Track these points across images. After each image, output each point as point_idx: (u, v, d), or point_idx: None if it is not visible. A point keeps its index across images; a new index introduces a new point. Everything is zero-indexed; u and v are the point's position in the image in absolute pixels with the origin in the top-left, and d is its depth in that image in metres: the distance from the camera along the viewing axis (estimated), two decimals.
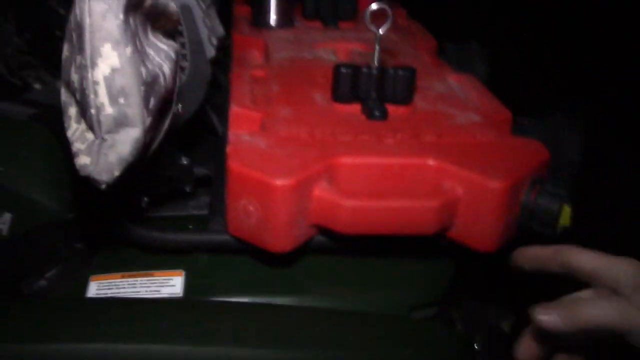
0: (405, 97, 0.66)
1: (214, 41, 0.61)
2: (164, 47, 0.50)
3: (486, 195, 0.53)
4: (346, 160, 0.54)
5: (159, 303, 0.53)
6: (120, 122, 0.42)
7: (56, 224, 0.59)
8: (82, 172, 0.42)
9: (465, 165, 0.54)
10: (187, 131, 0.66)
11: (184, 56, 0.58)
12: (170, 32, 0.55)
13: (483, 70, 0.92)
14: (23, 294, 0.55)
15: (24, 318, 0.52)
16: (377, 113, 0.64)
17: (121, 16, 0.40)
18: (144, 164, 0.60)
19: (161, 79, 0.46)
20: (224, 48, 0.92)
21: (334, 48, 0.84)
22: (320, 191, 0.53)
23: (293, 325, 0.53)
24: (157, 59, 0.47)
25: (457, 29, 1.04)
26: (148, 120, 0.43)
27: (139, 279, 0.56)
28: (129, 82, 0.41)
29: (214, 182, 0.65)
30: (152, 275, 0.56)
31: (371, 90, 0.65)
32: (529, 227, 0.56)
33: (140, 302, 0.54)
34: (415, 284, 0.60)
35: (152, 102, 0.44)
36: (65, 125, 0.44)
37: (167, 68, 0.48)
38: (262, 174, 0.51)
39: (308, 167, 0.53)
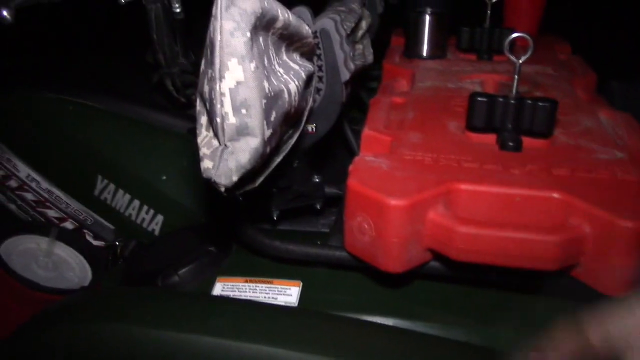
0: (544, 129, 0.63)
1: (351, 66, 0.63)
2: (296, 66, 0.54)
3: (616, 234, 0.50)
4: (465, 186, 0.54)
5: (273, 309, 0.56)
6: (241, 131, 0.45)
7: (196, 228, 0.64)
8: (205, 175, 0.46)
9: (594, 202, 0.51)
10: (322, 151, 0.69)
11: (320, 78, 0.62)
12: (308, 54, 0.59)
13: None
14: (157, 286, 0.61)
15: (156, 307, 0.57)
16: (510, 144, 0.62)
17: (248, 34, 0.44)
18: (271, 177, 0.64)
19: (285, 95, 0.49)
20: (374, 74, 0.95)
21: (482, 80, 0.83)
22: (435, 215, 0.53)
23: (403, 348, 0.53)
24: (285, 76, 0.51)
25: (624, 67, 0.97)
26: (268, 132, 0.47)
27: (259, 285, 0.59)
28: (251, 95, 0.44)
29: (343, 200, 0.67)
30: (271, 283, 0.59)
31: (507, 120, 0.64)
32: None
33: (257, 305, 0.57)
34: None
35: (273, 115, 0.47)
36: (197, 132, 0.48)
37: (293, 86, 0.51)
38: (378, 192, 0.52)
39: (425, 190, 0.53)
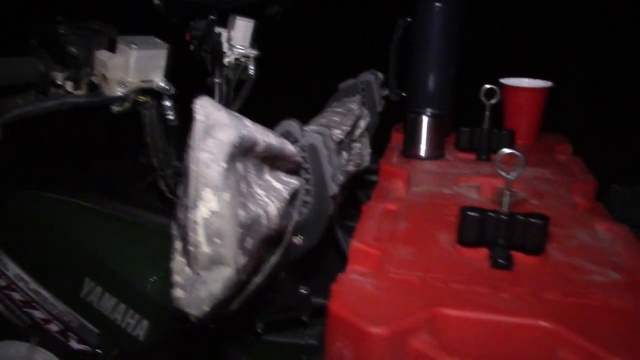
0: (536, 246, 0.62)
1: (340, 179, 0.63)
2: (279, 185, 0.53)
3: None
4: (450, 311, 0.52)
5: None
6: (214, 261, 0.44)
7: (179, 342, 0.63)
8: (176, 304, 0.45)
9: (585, 334, 0.49)
10: (312, 258, 0.68)
11: (307, 191, 0.61)
12: (294, 170, 0.58)
13: None
14: None
15: None
16: (501, 261, 0.61)
17: (224, 164, 0.43)
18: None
19: (263, 220, 0.49)
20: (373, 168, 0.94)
21: (479, 184, 0.82)
22: (419, 343, 0.51)
23: None
24: (265, 199, 0.50)
25: (626, 171, 0.97)
26: (242, 260, 0.46)
27: None
28: (226, 225, 0.44)
29: None
30: None
31: (499, 236, 0.62)
32: None
33: None
34: None
35: (249, 242, 0.46)
36: (171, 257, 0.48)
37: (273, 208, 0.50)
38: (358, 318, 0.51)
39: (408, 317, 0.51)
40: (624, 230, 0.71)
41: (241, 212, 0.45)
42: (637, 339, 0.49)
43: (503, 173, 0.62)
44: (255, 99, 1.01)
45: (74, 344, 0.87)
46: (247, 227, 0.46)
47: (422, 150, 0.93)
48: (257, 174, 0.51)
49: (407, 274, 0.58)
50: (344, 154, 0.81)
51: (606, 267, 0.60)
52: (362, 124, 0.94)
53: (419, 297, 0.54)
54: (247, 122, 0.47)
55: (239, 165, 0.47)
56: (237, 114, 0.46)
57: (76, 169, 1.00)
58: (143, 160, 0.80)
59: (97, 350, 0.81)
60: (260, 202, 0.49)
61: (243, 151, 0.47)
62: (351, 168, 0.78)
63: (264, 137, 0.48)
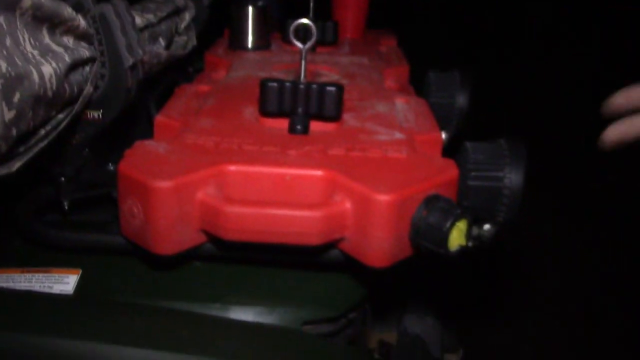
0: (332, 113, 0.65)
1: (138, 52, 0.63)
2: (60, 49, 0.53)
3: (372, 208, 0.52)
4: (236, 167, 0.54)
5: (41, 298, 0.55)
6: None
7: None
8: None
9: (357, 178, 0.54)
10: (123, 137, 0.68)
11: (103, 64, 0.61)
12: (83, 38, 0.58)
13: (461, 97, 0.91)
14: None
15: None
16: (298, 127, 0.64)
17: None
18: (55, 165, 0.62)
19: (36, 77, 0.48)
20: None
21: (294, 69, 0.85)
22: (205, 196, 0.53)
23: (173, 328, 0.54)
24: (39, 58, 0.49)
25: (442, 59, 1.03)
26: (10, 114, 0.45)
27: (36, 274, 0.57)
28: None
29: None
30: (49, 272, 0.57)
31: (297, 105, 0.65)
32: (422, 246, 0.54)
33: (24, 295, 0.55)
34: (310, 299, 0.59)
35: (17, 96, 0.46)
36: None
37: (49, 68, 0.50)
38: (144, 175, 0.52)
39: (194, 171, 0.53)
40: (422, 103, 0.76)
41: (2, 63, 0.45)
42: (399, 179, 0.54)
43: (297, 43, 0.65)
44: None
45: None
46: (12, 80, 0.45)
47: (247, 41, 0.94)
48: (32, 35, 0.50)
49: (203, 139, 0.60)
50: (161, 40, 0.81)
51: (394, 130, 0.65)
52: (187, 16, 0.93)
53: (209, 157, 0.56)
54: None
55: (1, 19, 0.46)
56: None
57: None
58: None
59: None
60: (32, 60, 0.49)
61: (6, 4, 0.46)
62: (176, 52, 0.79)
63: None
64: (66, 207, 0.64)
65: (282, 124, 0.66)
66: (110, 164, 0.66)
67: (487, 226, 0.55)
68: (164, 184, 0.52)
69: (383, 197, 0.52)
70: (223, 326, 0.56)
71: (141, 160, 0.55)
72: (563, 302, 1.80)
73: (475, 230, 0.54)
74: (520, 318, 1.69)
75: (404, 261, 0.56)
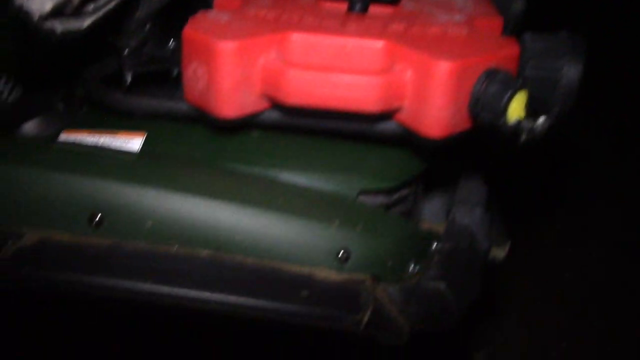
0: None
1: None
2: None
3: (433, 75, 0.52)
4: (297, 35, 0.55)
5: (107, 151, 0.58)
6: None
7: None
8: (17, 3, 0.46)
9: (416, 47, 0.54)
10: (183, 15, 0.69)
11: None
12: None
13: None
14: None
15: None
16: (357, 6, 0.64)
17: None
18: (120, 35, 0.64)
19: None
20: None
21: None
22: (267, 60, 0.54)
23: (231, 185, 0.56)
24: None
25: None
26: None
27: (103, 136, 0.60)
28: None
29: None
30: (115, 134, 0.60)
31: None
32: (481, 117, 0.54)
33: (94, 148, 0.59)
34: (367, 169, 0.60)
35: None
36: None
37: None
38: (209, 37, 0.53)
39: (257, 36, 0.54)
40: None
41: None
42: (460, 51, 0.54)
43: None
44: None
45: None
46: None
47: None
48: None
49: (264, 12, 0.61)
50: None
51: (453, 13, 0.65)
52: None
53: (268, 25, 0.57)
54: None
55: None
56: None
57: None
58: None
59: None
60: None
61: None
62: None
63: None
64: (128, 80, 0.65)
65: (344, 6, 0.66)
66: (171, 41, 0.67)
67: (541, 119, 0.54)
68: (229, 45, 0.53)
69: (444, 64, 0.52)
70: (280, 187, 0.57)
71: (206, 25, 0.56)
72: None
73: (529, 123, 0.54)
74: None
75: (459, 137, 0.56)
